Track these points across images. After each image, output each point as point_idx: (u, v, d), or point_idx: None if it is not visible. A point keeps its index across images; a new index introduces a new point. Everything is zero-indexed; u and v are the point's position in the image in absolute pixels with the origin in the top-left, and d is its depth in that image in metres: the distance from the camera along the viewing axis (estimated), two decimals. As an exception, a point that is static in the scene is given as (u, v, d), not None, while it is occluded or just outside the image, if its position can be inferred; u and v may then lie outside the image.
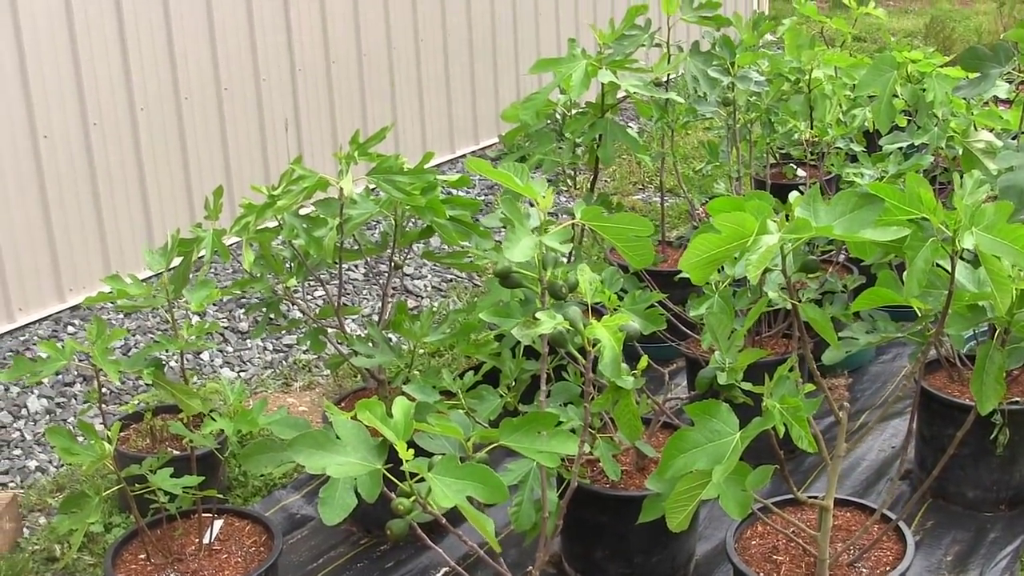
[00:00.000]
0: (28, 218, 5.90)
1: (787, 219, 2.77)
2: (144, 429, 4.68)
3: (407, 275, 6.95)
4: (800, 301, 3.03)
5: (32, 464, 5.06)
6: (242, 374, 5.96)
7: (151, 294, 3.73)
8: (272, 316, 4.38)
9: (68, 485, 4.84)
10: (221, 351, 6.06)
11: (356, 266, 7.00)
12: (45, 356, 3.64)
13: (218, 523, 3.96)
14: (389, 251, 4.40)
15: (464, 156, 8.78)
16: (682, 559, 4.10)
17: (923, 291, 2.97)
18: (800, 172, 6.70)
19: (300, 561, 4.39)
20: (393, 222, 4.30)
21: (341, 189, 4.01)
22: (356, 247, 4.46)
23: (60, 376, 5.58)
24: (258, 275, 4.21)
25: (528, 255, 2.67)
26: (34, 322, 5.98)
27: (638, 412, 3.22)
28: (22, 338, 5.85)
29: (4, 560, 4.33)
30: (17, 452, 5.11)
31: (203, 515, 3.90)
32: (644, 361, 3.19)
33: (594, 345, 2.64)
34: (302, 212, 4.09)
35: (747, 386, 3.15)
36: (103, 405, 5.45)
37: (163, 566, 3.80)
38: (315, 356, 5.99)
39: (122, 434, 4.70)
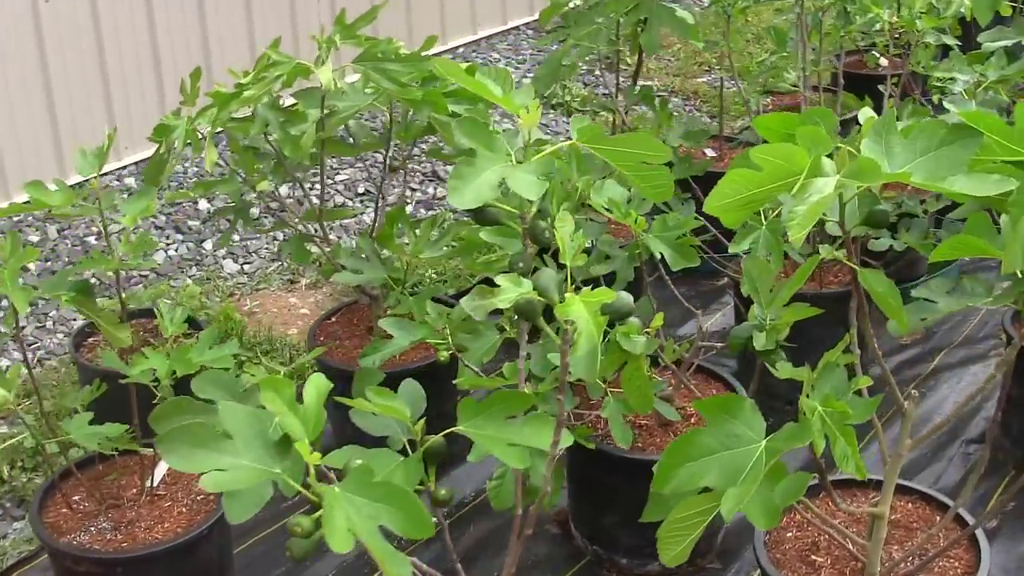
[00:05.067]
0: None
1: (850, 155, 2.07)
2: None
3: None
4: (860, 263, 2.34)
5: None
6: (246, 267, 5.37)
7: (78, 202, 3.07)
8: (240, 223, 3.82)
9: None
10: (228, 239, 5.46)
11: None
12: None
13: (164, 465, 3.36)
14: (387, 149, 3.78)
15: (489, 38, 7.85)
16: (706, 532, 3.47)
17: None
18: (883, 61, 5.90)
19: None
20: (389, 117, 3.66)
21: (322, 79, 3.38)
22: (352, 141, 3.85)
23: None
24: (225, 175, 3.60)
25: (485, 198, 1.96)
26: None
27: (648, 379, 2.56)
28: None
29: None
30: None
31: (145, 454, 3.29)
32: (659, 319, 2.53)
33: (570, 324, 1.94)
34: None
35: (788, 370, 2.41)
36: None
37: (95, 513, 3.23)
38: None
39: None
